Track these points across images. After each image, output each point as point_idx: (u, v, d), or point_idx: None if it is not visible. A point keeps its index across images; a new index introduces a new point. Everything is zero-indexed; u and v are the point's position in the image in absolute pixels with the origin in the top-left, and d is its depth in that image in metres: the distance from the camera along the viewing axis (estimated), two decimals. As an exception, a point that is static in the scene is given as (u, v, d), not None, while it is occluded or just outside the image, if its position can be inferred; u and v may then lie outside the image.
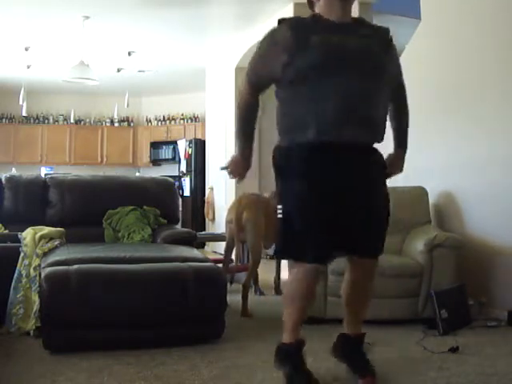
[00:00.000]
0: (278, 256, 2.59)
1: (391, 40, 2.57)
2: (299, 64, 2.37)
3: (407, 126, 2.76)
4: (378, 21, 4.43)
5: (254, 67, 2.53)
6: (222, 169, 2.75)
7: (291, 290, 2.55)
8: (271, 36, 2.47)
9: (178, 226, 5.02)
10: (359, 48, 2.42)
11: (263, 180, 7.33)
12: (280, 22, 2.48)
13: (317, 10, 2.49)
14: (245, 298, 4.11)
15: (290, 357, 2.52)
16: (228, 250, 4.58)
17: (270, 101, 2.71)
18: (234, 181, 2.86)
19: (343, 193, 2.44)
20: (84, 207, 4.54)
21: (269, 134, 5.90)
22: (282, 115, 2.53)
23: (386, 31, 2.56)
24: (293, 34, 2.38)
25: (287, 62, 2.37)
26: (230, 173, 2.70)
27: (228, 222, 4.47)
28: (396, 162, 2.75)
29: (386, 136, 2.60)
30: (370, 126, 2.47)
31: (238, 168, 2.68)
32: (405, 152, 2.78)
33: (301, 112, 2.43)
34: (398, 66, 2.66)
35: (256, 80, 2.54)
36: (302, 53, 2.36)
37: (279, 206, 2.50)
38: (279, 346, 2.57)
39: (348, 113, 2.39)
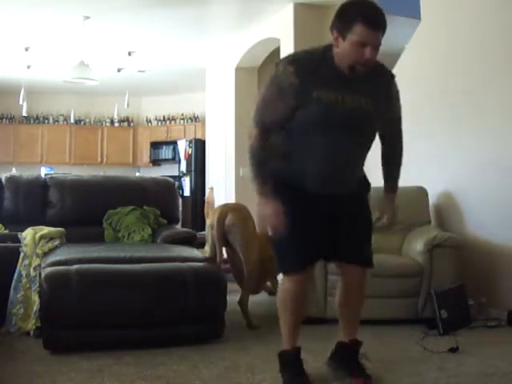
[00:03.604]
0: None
1: (394, 81, 2.54)
2: (298, 116, 2.39)
3: (400, 170, 2.75)
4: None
5: (262, 113, 2.46)
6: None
7: (281, 298, 2.58)
8: (277, 81, 2.40)
9: (178, 226, 5.01)
10: (356, 109, 2.39)
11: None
12: (283, 61, 2.41)
13: (337, 49, 2.35)
14: (245, 312, 3.73)
15: (289, 363, 2.56)
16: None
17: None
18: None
19: (325, 202, 2.48)
20: (84, 207, 4.54)
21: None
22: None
23: (388, 75, 2.54)
24: (299, 82, 2.34)
25: (296, 105, 2.37)
26: (274, 231, 2.46)
27: (210, 228, 3.86)
28: (388, 208, 2.77)
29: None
30: (353, 183, 2.55)
31: (279, 217, 2.43)
32: (395, 194, 2.77)
33: (290, 162, 2.48)
34: (398, 109, 2.64)
35: (264, 125, 2.46)
36: (304, 105, 2.36)
37: None
38: (280, 353, 2.60)
39: (331, 177, 2.46)
